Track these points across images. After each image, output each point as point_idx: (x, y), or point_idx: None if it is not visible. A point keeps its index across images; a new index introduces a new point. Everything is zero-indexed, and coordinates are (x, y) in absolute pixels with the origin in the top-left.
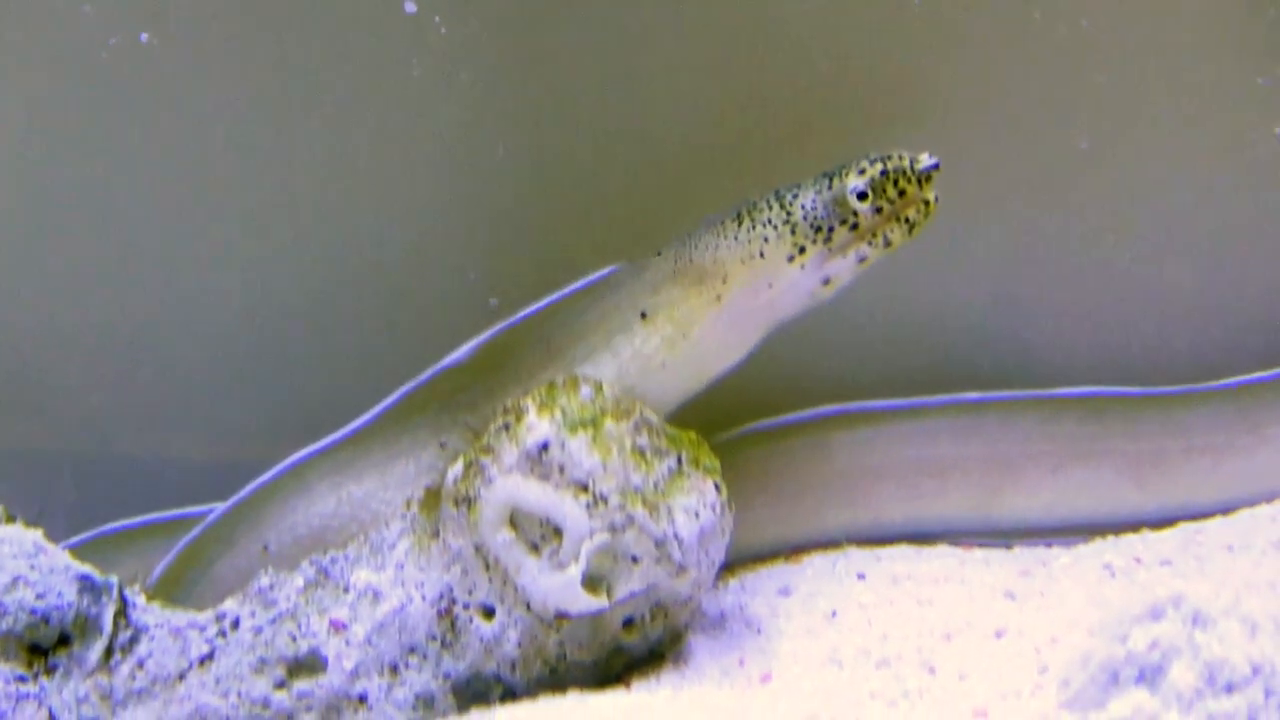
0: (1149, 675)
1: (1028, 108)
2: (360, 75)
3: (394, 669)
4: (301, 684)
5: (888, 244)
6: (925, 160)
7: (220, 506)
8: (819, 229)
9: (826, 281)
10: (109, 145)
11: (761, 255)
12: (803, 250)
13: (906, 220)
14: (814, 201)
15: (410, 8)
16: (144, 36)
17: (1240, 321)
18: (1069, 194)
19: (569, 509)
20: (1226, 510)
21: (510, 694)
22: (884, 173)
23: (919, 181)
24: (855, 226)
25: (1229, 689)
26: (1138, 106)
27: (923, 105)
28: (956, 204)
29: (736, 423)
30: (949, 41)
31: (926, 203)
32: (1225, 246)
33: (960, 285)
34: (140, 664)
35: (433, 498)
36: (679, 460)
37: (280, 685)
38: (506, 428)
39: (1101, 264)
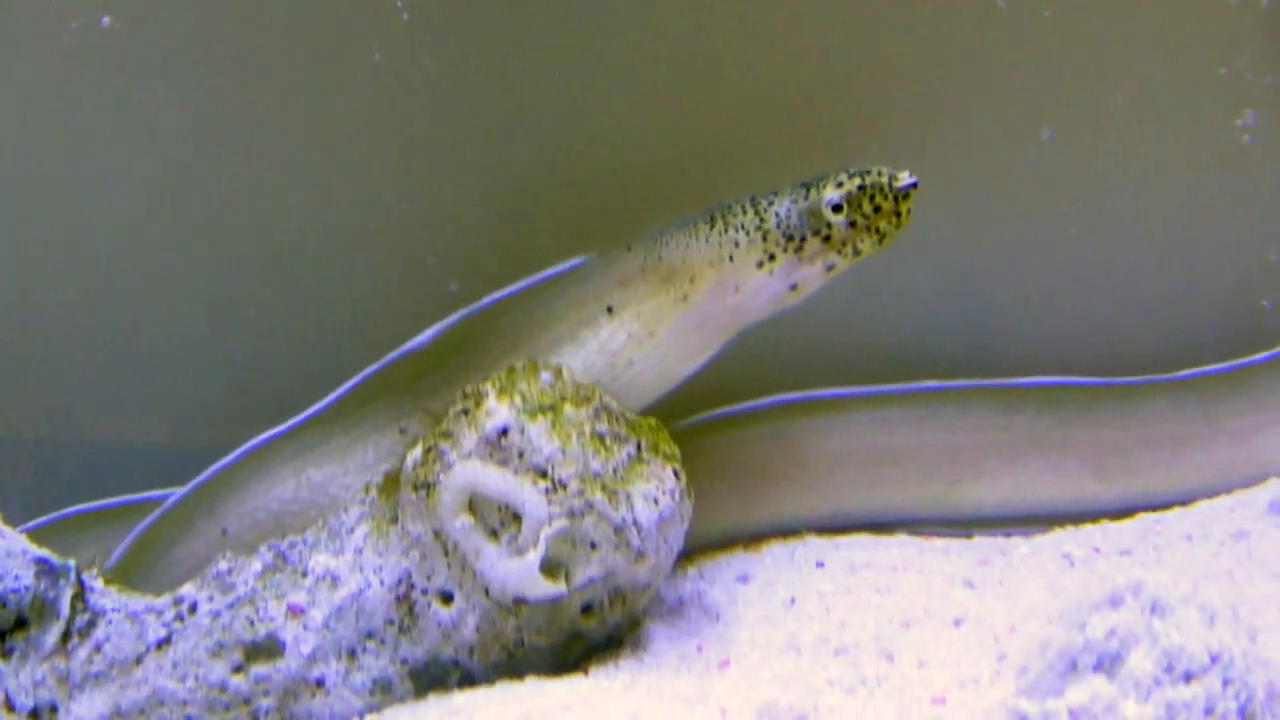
0: (1107, 663)
1: (991, 97)
2: (322, 61)
3: (351, 654)
4: (259, 668)
5: (857, 253)
6: (904, 179)
7: (179, 491)
8: (791, 238)
9: (794, 288)
10: (70, 130)
11: (731, 259)
12: (773, 257)
13: (878, 231)
14: (789, 210)
15: None
16: (105, 20)
17: (1201, 312)
18: (1031, 183)
19: (528, 494)
20: (1185, 501)
21: (468, 679)
22: (861, 187)
23: (896, 198)
24: (828, 238)
25: (1187, 677)
26: (1100, 96)
27: (884, 94)
28: (920, 194)
29: (696, 410)
30: (911, 30)
31: (898, 214)
32: (1187, 237)
33: (921, 274)
34: (97, 647)
35: (392, 483)
36: (638, 446)
37: (238, 669)
38: (465, 413)
39: (1063, 254)
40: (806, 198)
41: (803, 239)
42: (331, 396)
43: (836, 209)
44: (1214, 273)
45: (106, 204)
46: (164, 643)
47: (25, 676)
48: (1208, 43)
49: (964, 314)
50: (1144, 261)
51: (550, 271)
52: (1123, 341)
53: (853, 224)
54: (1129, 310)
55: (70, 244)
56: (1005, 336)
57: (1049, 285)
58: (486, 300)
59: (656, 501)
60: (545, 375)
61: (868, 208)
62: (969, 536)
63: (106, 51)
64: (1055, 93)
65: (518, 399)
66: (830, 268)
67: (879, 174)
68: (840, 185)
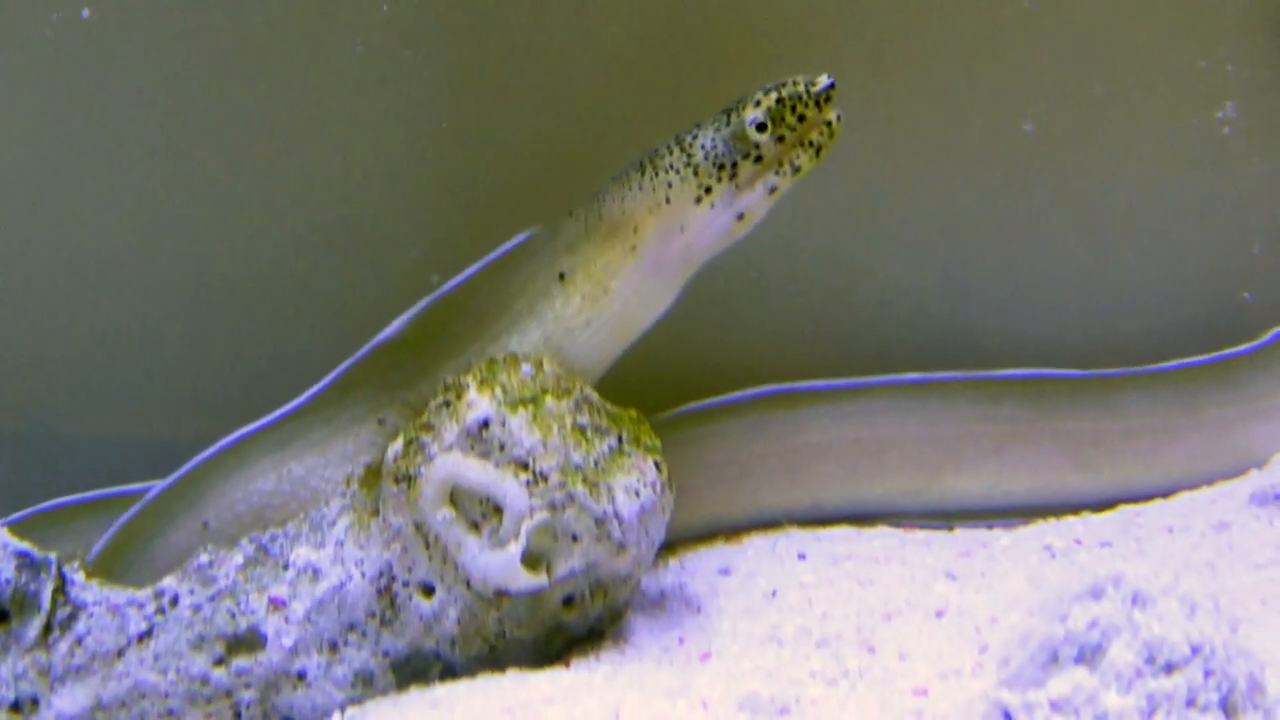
0: (1088, 654)
1: (973, 90)
2: (303, 52)
3: (333, 646)
4: (240, 661)
5: (796, 170)
6: (821, 82)
7: (160, 484)
8: (722, 166)
9: (740, 217)
10: (48, 122)
11: (668, 201)
12: (709, 190)
13: (811, 144)
14: (713, 140)
15: None
16: (85, 12)
17: (1183, 304)
18: (1012, 176)
19: (509, 487)
20: (1166, 493)
21: (449, 672)
22: (780, 100)
23: (817, 104)
24: (759, 159)
25: (1168, 668)
26: (1081, 89)
27: (863, 87)
28: (901, 185)
29: (677, 402)
30: (892, 21)
31: (829, 124)
32: (1168, 230)
33: (904, 267)
34: (79, 641)
35: (373, 475)
36: (619, 439)
37: (219, 662)
38: (447, 405)
39: (1045, 246)
40: (728, 123)
41: (734, 165)
42: (311, 390)
43: (760, 127)
44: (1196, 265)
45: (85, 197)
46: (145, 636)
47: (6, 669)
48: (1188, 35)
49: (946, 306)
50: (1125, 253)
51: (500, 250)
52: (1105, 333)
53: (781, 139)
54: (1111, 302)
55: (49, 237)
56: (987, 328)
57: (1030, 278)
58: (447, 286)
59: (638, 493)
60: (526, 367)
61: (791, 119)
62: (950, 528)
63: (87, 44)
64: (1036, 85)
65: (499, 391)
66: (772, 190)
67: (794, 83)
68: (758, 103)
